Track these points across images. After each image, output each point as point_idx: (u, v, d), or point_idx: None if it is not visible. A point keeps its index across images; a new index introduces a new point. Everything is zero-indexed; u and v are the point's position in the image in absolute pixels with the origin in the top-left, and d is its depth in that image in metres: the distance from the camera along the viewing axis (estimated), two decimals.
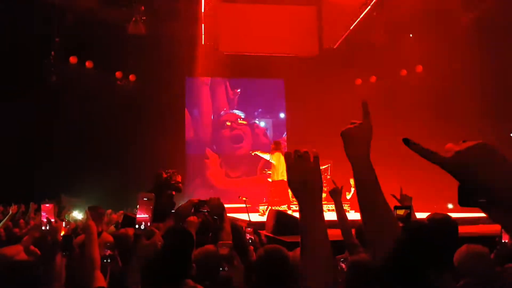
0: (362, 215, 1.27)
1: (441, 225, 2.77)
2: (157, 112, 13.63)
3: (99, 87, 13.43)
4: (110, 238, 3.95)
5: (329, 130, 13.46)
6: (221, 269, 2.29)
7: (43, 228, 2.74)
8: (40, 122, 12.09)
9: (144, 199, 1.98)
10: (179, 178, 9.63)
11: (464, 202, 1.57)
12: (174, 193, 9.11)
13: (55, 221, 2.70)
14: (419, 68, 13.53)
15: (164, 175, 9.00)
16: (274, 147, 9.85)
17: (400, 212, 2.60)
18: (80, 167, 12.19)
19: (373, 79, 14.44)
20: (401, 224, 2.87)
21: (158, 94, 13.87)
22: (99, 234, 4.02)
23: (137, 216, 1.94)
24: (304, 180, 1.25)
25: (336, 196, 3.34)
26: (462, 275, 2.47)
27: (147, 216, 1.95)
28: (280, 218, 6.42)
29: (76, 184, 11.49)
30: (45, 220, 2.72)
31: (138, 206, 1.96)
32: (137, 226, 1.92)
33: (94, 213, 4.09)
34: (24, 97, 11.85)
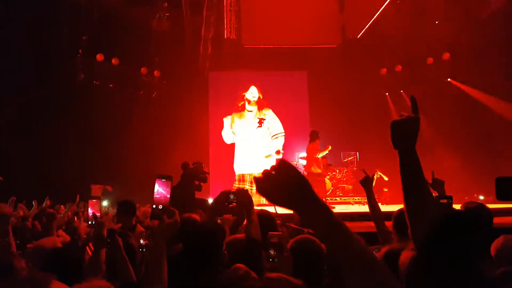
0: (406, 202, 1.27)
1: (476, 212, 2.77)
2: (181, 106, 13.76)
3: (125, 83, 13.70)
4: (142, 229, 4.12)
5: (354, 121, 13.50)
6: (270, 259, 2.27)
7: (89, 222, 2.85)
8: (70, 117, 12.39)
9: (162, 180, 1.93)
10: (206, 169, 9.79)
11: (501, 196, 1.58)
12: (202, 184, 9.29)
13: (101, 216, 2.76)
14: (446, 56, 13.20)
15: (191, 166, 9.18)
16: (310, 139, 9.75)
17: (444, 201, 2.70)
18: (108, 162, 12.49)
19: (398, 68, 14.17)
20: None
21: (182, 89, 14.01)
22: (134, 227, 4.17)
23: (155, 196, 1.90)
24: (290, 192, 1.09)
25: (368, 184, 3.29)
26: (499, 264, 2.45)
27: (166, 196, 1.92)
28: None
29: (104, 177, 11.80)
30: (91, 215, 2.81)
31: (155, 186, 1.92)
32: (154, 206, 1.86)
33: (126, 207, 4.19)
34: (52, 95, 12.23)
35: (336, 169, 11.82)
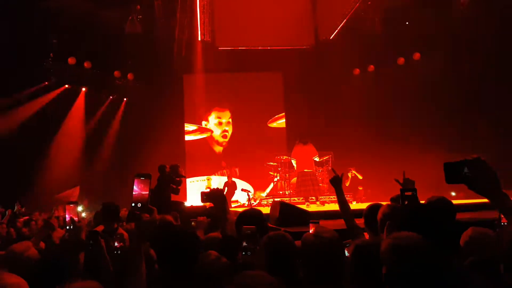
0: None
1: (437, 204, 2.89)
2: (156, 109, 13.64)
3: (98, 87, 13.52)
4: (124, 232, 4.05)
5: (329, 121, 13.66)
6: (243, 252, 2.34)
7: (67, 227, 2.82)
8: (41, 122, 12.14)
9: (141, 178, 1.95)
10: (182, 172, 9.80)
11: (450, 179, 1.70)
12: (179, 187, 9.29)
13: (78, 221, 2.76)
14: (417, 56, 13.52)
15: (168, 169, 9.16)
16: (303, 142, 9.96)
17: (408, 193, 2.80)
18: (82, 167, 12.30)
19: (371, 68, 14.44)
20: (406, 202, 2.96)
21: (156, 92, 13.89)
22: (115, 230, 4.07)
23: (134, 193, 1.90)
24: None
25: (336, 183, 3.44)
26: (468, 255, 2.53)
27: (144, 194, 1.92)
28: (284, 209, 6.42)
29: (78, 182, 11.62)
30: (68, 219, 2.78)
31: (134, 185, 1.92)
32: (133, 204, 1.86)
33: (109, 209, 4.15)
34: (24, 98, 11.98)
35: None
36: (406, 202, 2.89)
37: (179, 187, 9.07)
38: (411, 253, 1.68)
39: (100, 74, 13.69)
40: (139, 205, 1.87)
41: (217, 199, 2.83)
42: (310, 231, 2.62)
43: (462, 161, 1.70)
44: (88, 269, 2.61)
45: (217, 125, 15.04)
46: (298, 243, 2.42)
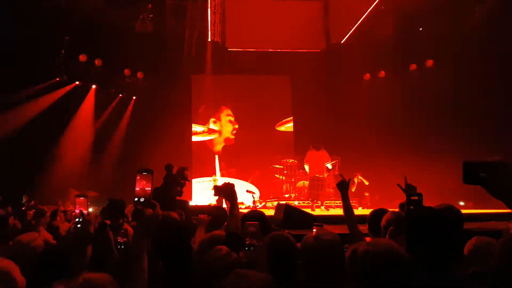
0: None
1: (445, 212, 2.83)
2: (164, 108, 13.67)
3: (108, 84, 13.60)
4: (129, 228, 4.10)
5: (337, 126, 13.57)
6: (246, 248, 2.38)
7: (76, 220, 2.89)
8: (52, 117, 12.22)
9: (143, 173, 1.96)
10: (188, 174, 9.94)
11: (468, 180, 1.64)
12: (182, 189, 9.46)
13: (87, 214, 2.84)
14: (430, 63, 13.36)
15: (175, 170, 9.29)
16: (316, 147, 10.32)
17: (414, 198, 2.80)
18: (90, 164, 12.34)
19: (382, 74, 14.30)
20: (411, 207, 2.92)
21: (165, 91, 13.93)
22: (120, 225, 4.15)
23: (136, 189, 1.92)
24: None
25: (343, 188, 3.43)
26: (471, 264, 2.47)
27: (147, 189, 1.94)
28: (289, 212, 6.38)
29: (85, 180, 11.65)
30: (78, 212, 2.85)
31: (137, 180, 1.95)
32: (136, 199, 1.89)
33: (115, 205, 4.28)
34: (35, 94, 12.07)
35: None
36: (411, 207, 2.87)
37: (182, 190, 9.20)
38: (381, 261, 1.69)
39: (110, 72, 13.76)
40: (141, 200, 1.88)
41: (228, 192, 2.88)
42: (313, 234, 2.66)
43: (483, 162, 1.62)
44: (95, 262, 2.68)
45: (229, 122, 14.99)
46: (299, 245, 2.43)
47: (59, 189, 11.06)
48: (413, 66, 13.68)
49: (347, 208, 3.40)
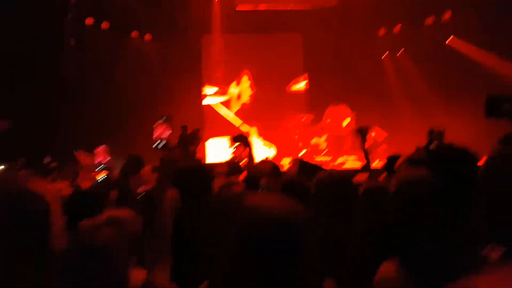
0: None
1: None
2: (174, 70, 13.51)
3: (115, 48, 13.40)
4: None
5: (351, 83, 13.26)
6: (262, 188, 2.68)
7: (98, 168, 3.21)
8: (60, 84, 12.14)
9: (161, 120, 2.00)
10: (202, 136, 10.40)
11: (490, 113, 1.57)
12: (195, 149, 9.99)
13: (108, 161, 3.12)
14: (448, 14, 12.80)
15: (189, 130, 9.84)
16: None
17: (435, 133, 2.92)
18: (98, 129, 12.29)
19: (397, 28, 13.81)
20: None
21: (174, 53, 13.74)
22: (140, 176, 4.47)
23: (154, 134, 1.98)
24: None
25: (362, 134, 3.65)
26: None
27: (165, 134, 1.98)
28: (303, 166, 6.29)
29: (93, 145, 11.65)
30: (99, 161, 3.08)
31: (155, 127, 1.99)
32: (156, 143, 1.97)
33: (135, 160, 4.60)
34: (43, 61, 11.92)
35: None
36: (432, 143, 2.97)
37: (196, 149, 9.68)
38: (416, 185, 1.72)
39: (117, 34, 13.53)
40: (160, 144, 1.97)
41: (244, 140, 3.21)
42: None
43: (506, 95, 1.54)
44: (119, 206, 2.86)
45: (249, 87, 14.81)
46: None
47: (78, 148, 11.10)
48: (430, 19, 13.14)
49: (365, 152, 3.60)
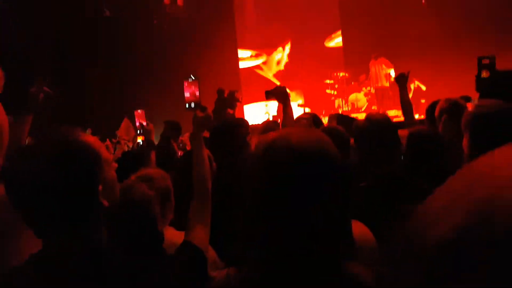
0: None
1: None
2: (208, 34, 13.39)
3: (149, 15, 13.45)
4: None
5: (389, 35, 12.61)
6: None
7: (137, 131, 3.33)
8: (93, 53, 12.38)
9: (189, 79, 2.00)
10: (240, 98, 10.22)
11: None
12: (234, 112, 9.85)
13: (147, 124, 3.18)
14: None
15: (226, 93, 9.65)
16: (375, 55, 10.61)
17: (485, 62, 2.79)
18: (133, 95, 12.54)
19: None
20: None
21: (208, 17, 13.57)
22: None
23: (185, 96, 1.98)
24: None
25: (402, 82, 3.37)
26: None
27: (196, 94, 1.98)
28: (341, 120, 6.17)
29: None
30: (138, 124, 3.19)
31: (184, 87, 2.00)
32: (187, 105, 1.96)
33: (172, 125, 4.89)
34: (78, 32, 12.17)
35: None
36: (484, 71, 2.83)
37: (235, 112, 9.62)
38: (494, 119, 1.54)
39: (150, 1, 13.54)
40: (192, 105, 1.95)
41: (279, 94, 2.85)
42: None
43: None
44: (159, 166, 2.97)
45: (288, 56, 14.60)
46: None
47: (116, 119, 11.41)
48: None
49: (405, 102, 3.34)
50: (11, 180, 1.05)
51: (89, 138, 1.14)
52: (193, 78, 2.02)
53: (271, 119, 9.44)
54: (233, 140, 2.42)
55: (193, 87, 1.99)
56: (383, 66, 10.01)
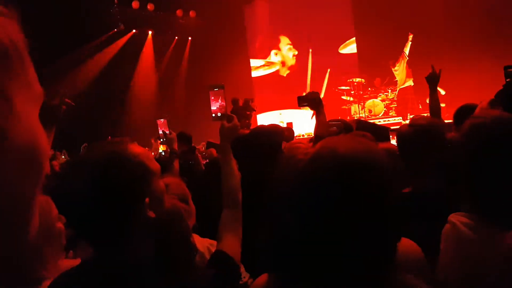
0: None
1: None
2: (220, 44, 13.48)
3: (163, 29, 13.59)
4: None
5: (404, 41, 12.47)
6: None
7: (160, 140, 3.33)
8: (115, 69, 12.54)
9: (215, 89, 1.94)
10: (254, 106, 10.18)
11: None
12: (249, 121, 9.79)
13: (170, 133, 3.16)
14: None
15: (241, 103, 9.60)
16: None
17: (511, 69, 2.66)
18: (156, 108, 12.66)
19: None
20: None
21: (219, 27, 13.66)
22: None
23: (212, 107, 1.92)
24: None
25: (433, 81, 3.24)
26: None
27: (222, 104, 1.93)
28: (361, 126, 6.09)
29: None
30: (161, 132, 3.17)
31: (210, 98, 1.94)
32: (213, 115, 1.92)
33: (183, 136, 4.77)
34: (95, 49, 12.35)
35: (389, 88, 11.32)
36: (509, 80, 2.75)
37: (250, 121, 9.72)
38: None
39: (163, 15, 13.70)
40: (219, 115, 1.92)
41: (311, 100, 2.84)
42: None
43: None
44: (182, 175, 2.96)
45: (289, 50, 14.55)
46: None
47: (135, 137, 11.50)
48: None
49: (435, 100, 3.20)
50: (62, 196, 1.08)
51: (137, 149, 1.13)
52: (218, 87, 1.97)
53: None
54: (269, 148, 2.37)
55: (218, 97, 1.95)
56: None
